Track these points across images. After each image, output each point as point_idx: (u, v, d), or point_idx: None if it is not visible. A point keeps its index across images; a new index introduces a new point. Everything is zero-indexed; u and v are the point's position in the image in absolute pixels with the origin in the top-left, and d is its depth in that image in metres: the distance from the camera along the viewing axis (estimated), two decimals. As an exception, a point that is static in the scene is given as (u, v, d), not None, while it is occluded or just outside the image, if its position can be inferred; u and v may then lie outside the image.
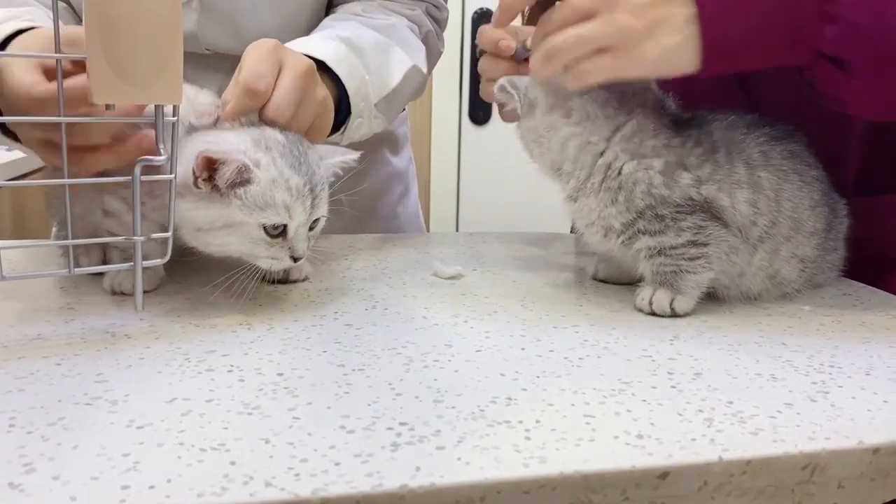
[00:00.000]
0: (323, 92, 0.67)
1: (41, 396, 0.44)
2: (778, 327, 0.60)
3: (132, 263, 0.53)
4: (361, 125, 0.79)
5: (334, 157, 0.65)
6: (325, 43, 0.76)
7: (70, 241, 0.52)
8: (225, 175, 0.56)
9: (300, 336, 0.55)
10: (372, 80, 0.78)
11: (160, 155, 0.52)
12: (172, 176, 0.53)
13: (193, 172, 0.56)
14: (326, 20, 0.85)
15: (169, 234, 0.54)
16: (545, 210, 2.36)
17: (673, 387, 0.48)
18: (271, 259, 0.60)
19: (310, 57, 0.66)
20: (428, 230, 1.17)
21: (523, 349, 0.54)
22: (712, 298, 0.66)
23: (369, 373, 0.49)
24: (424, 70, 0.88)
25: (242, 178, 0.57)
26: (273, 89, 0.61)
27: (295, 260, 0.61)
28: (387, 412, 0.44)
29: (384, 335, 0.56)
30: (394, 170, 1.06)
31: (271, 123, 0.61)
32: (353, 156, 0.67)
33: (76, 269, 0.52)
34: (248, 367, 0.50)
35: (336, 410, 0.44)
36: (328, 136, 0.72)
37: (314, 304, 0.63)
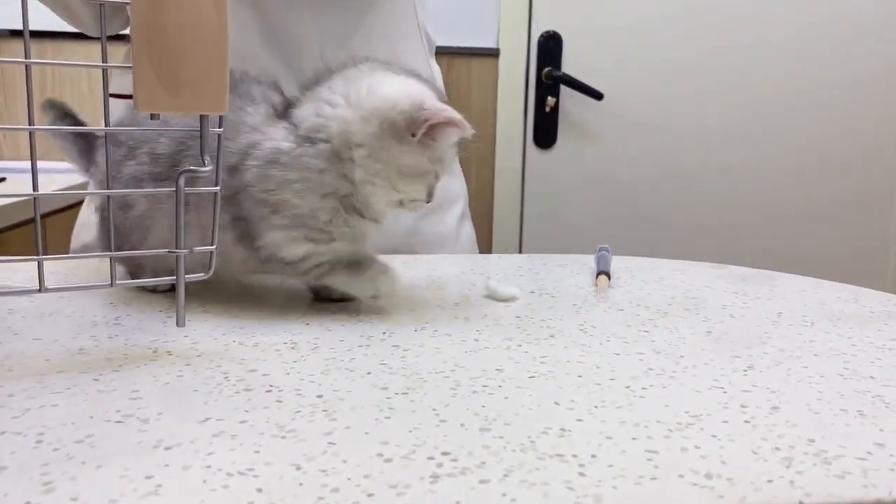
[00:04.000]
0: None
1: (73, 412, 0.43)
2: (865, 358, 0.55)
3: (174, 277, 0.51)
4: None
5: None
6: None
7: (112, 254, 0.51)
8: (450, 139, 0.60)
9: (345, 356, 0.53)
10: None
11: (205, 166, 0.51)
12: (217, 188, 0.52)
13: (415, 122, 0.58)
14: None
15: (213, 247, 0.53)
16: (611, 235, 2.29)
17: (747, 422, 0.44)
18: (421, 200, 0.64)
19: None
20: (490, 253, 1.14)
21: (580, 377, 0.50)
22: (794, 324, 0.61)
23: (413, 397, 0.46)
24: None
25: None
26: None
27: (429, 200, 0.65)
28: (429, 440, 0.40)
29: (432, 358, 0.53)
30: None
31: None
32: None
33: (118, 282, 0.51)
34: (288, 387, 0.47)
35: (375, 436, 0.41)
36: None
37: (362, 323, 0.61)
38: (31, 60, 0.47)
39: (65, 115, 0.69)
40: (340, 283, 0.64)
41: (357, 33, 0.93)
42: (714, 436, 0.42)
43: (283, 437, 0.40)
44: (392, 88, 0.60)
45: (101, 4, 0.49)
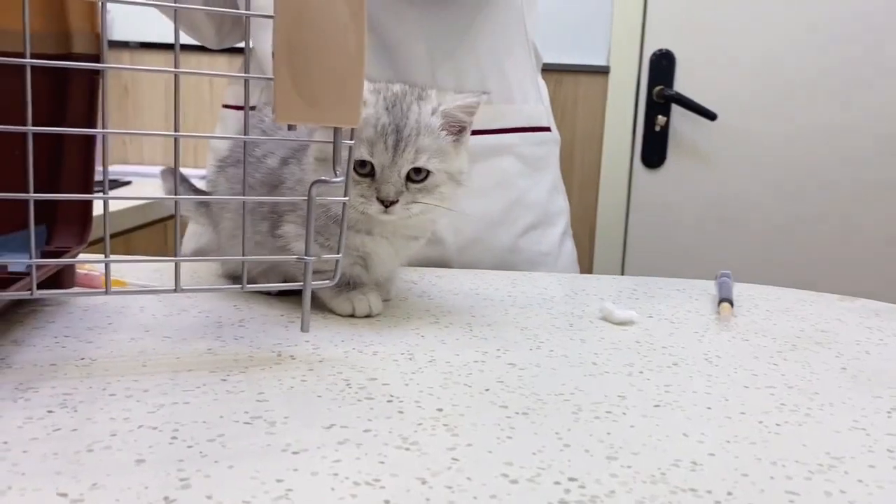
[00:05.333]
0: None
1: (204, 411, 0.44)
2: None
3: (301, 283, 0.52)
4: None
5: (454, 102, 0.63)
6: None
7: (244, 258, 0.52)
8: None
9: (462, 371, 0.53)
10: None
11: (336, 177, 0.52)
12: (347, 199, 0.53)
13: None
14: None
15: (339, 255, 0.54)
16: (720, 259, 2.21)
17: (896, 469, 0.41)
18: (360, 197, 0.61)
19: None
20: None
21: (709, 408, 0.48)
22: (936, 368, 0.57)
23: (534, 418, 0.45)
24: None
25: None
26: None
27: (383, 203, 0.60)
28: (554, 464, 0.39)
29: (550, 379, 0.52)
30: (519, 196, 0.98)
31: None
32: (474, 98, 0.64)
33: (248, 287, 0.53)
34: (408, 398, 0.47)
35: (498, 455, 0.40)
36: None
37: (476, 338, 0.60)
38: (180, 70, 0.49)
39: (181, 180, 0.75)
40: (323, 294, 0.65)
41: (465, 46, 0.93)
42: (860, 481, 0.39)
43: (407, 450, 0.40)
44: None
45: (246, 18, 0.51)
